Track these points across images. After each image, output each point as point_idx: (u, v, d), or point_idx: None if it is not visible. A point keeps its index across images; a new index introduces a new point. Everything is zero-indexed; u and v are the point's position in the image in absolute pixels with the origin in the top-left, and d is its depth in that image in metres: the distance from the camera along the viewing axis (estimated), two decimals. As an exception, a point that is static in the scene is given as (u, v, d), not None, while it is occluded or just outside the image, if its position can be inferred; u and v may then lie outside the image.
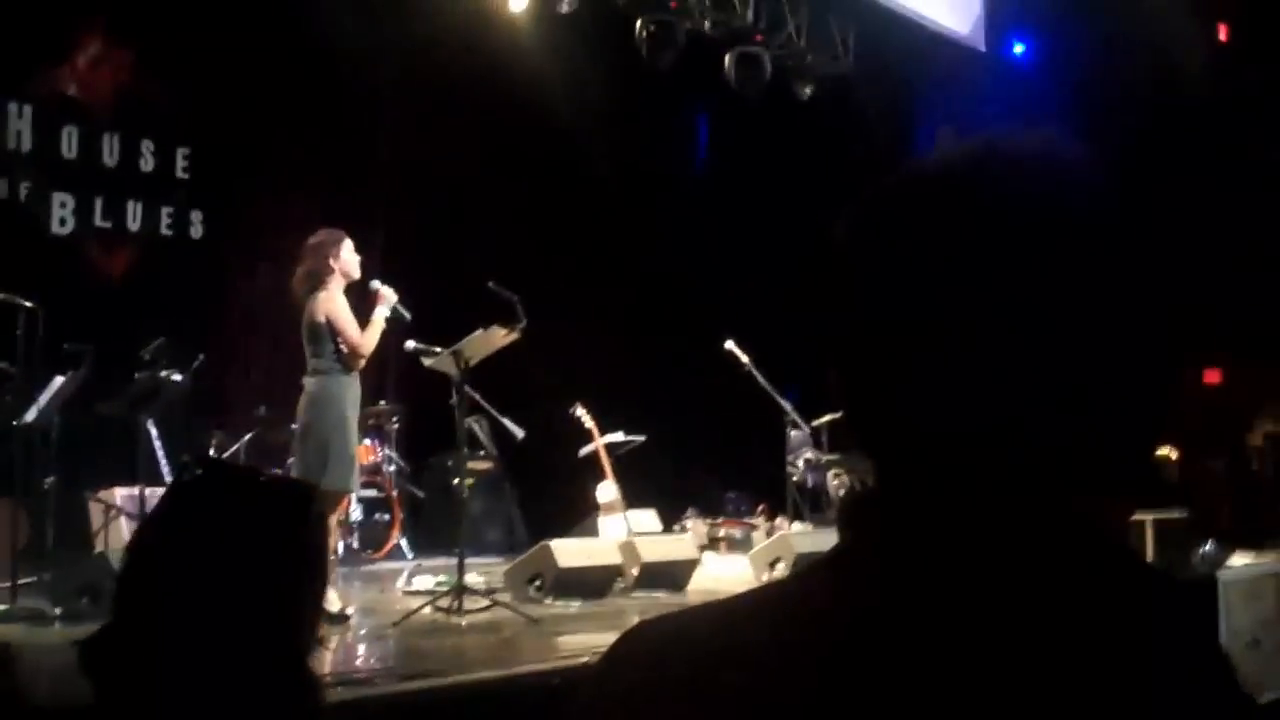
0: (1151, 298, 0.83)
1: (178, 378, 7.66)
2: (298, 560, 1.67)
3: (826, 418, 10.79)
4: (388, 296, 7.12)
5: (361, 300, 7.18)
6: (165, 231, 11.17)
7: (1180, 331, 0.84)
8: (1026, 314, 0.80)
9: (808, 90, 11.94)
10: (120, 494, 8.72)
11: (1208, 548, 8.07)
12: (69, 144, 10.69)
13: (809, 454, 10.95)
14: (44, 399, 7.30)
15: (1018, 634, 0.78)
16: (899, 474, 0.86)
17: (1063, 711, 0.76)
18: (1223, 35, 12.76)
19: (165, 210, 11.20)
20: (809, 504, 11.09)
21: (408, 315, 7.28)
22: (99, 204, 10.82)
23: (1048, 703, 0.76)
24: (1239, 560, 8.04)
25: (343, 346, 6.87)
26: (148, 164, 11.14)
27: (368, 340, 6.95)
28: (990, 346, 0.80)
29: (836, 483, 11.20)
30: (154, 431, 7.93)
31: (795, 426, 10.71)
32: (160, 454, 8.22)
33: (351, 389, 6.97)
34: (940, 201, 0.84)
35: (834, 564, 0.88)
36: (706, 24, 11.03)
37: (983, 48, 12.53)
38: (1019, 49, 13.47)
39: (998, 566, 0.80)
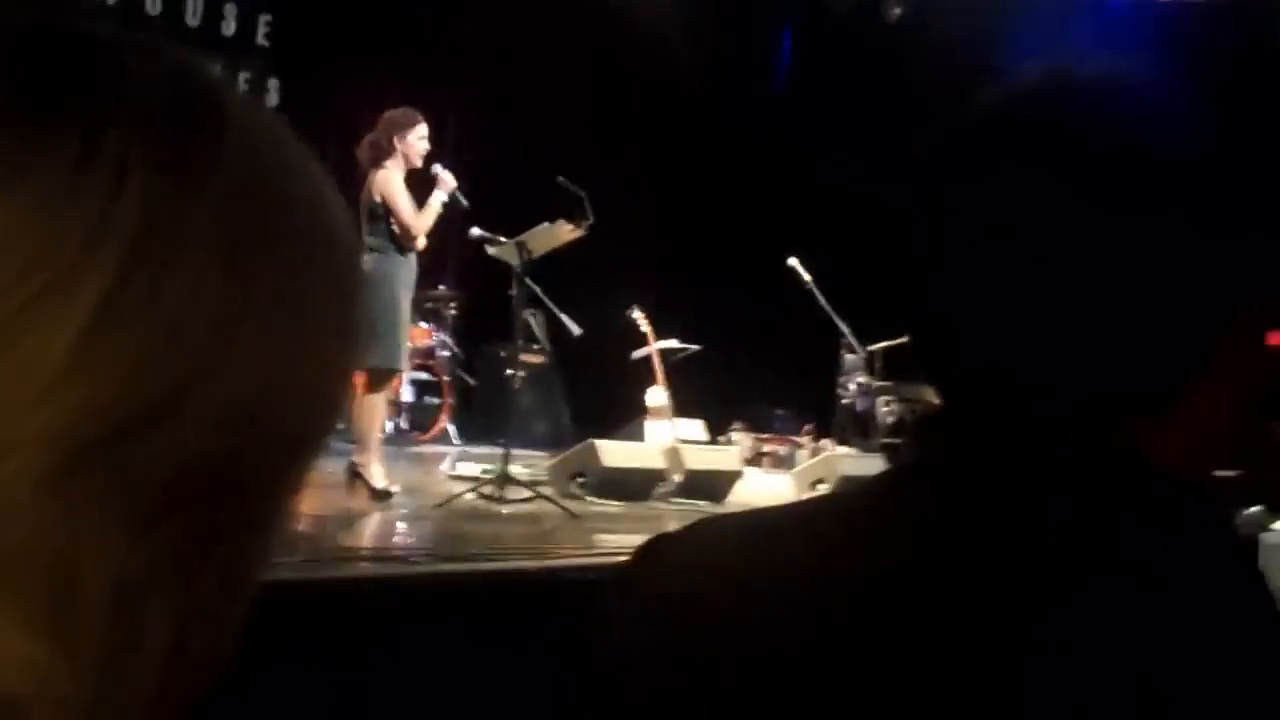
0: (1217, 244, 0.83)
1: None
2: None
3: (883, 343, 10.73)
4: (446, 181, 7.11)
5: (425, 185, 7.18)
6: (242, 96, 11.20)
7: (1240, 281, 0.84)
8: (1089, 251, 0.81)
9: (896, 11, 11.74)
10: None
11: (1254, 510, 8.00)
12: (154, 1, 10.71)
13: (861, 378, 10.90)
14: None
15: (1053, 554, 0.79)
16: (960, 401, 0.88)
17: (1097, 633, 0.77)
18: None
19: (243, 75, 11.21)
20: (857, 428, 11.06)
21: (465, 203, 7.28)
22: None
23: (1079, 618, 0.78)
24: (1285, 525, 7.96)
25: (395, 227, 6.88)
26: (229, 27, 11.15)
27: (422, 222, 6.94)
28: (1052, 282, 0.81)
29: (886, 409, 11.17)
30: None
31: (850, 350, 10.66)
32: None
33: (405, 269, 6.97)
34: (1009, 135, 0.85)
35: (891, 484, 0.89)
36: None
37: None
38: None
39: (1043, 491, 0.81)
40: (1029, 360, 0.83)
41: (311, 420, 0.58)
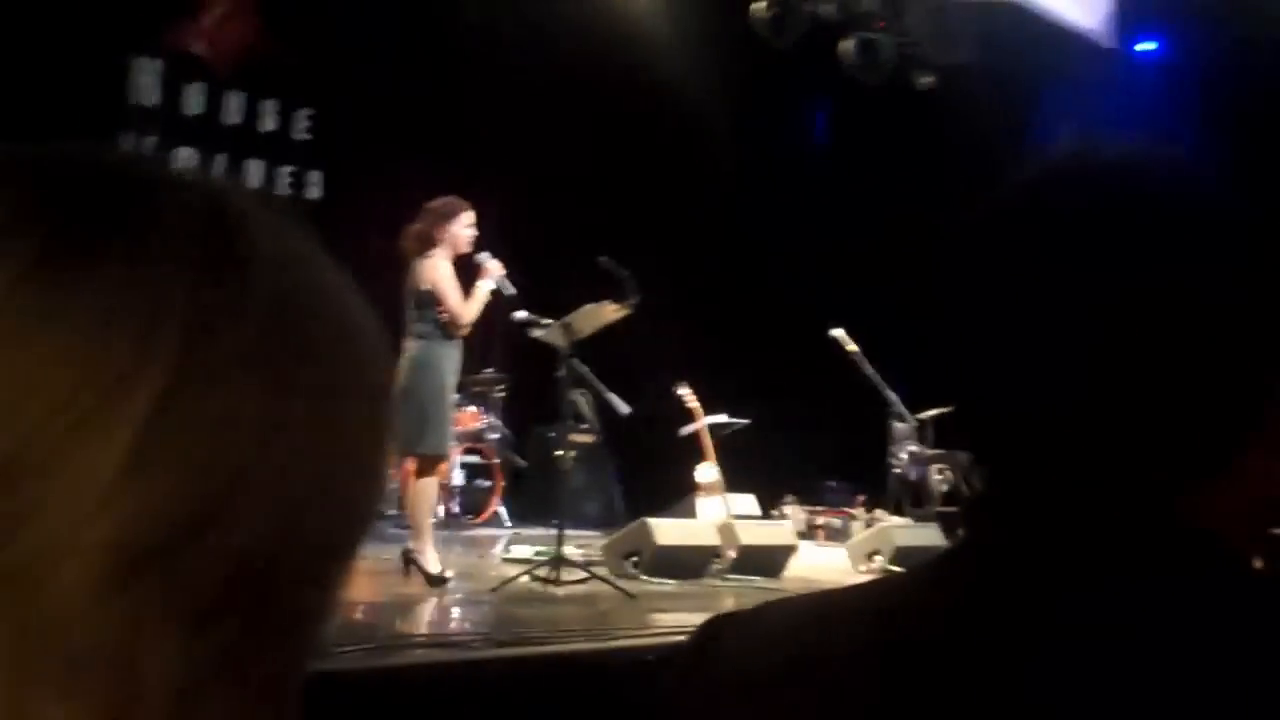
0: (1250, 309, 0.84)
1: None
2: None
3: (932, 412, 10.67)
4: (493, 270, 7.16)
5: (470, 271, 7.22)
6: (284, 191, 11.32)
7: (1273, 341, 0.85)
8: (1127, 323, 0.82)
9: (928, 80, 11.77)
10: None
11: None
12: (194, 101, 10.88)
13: (913, 447, 10.84)
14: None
15: (1111, 639, 0.79)
16: (1008, 477, 0.88)
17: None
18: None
19: (285, 170, 11.36)
20: (910, 498, 10.98)
21: (512, 290, 7.31)
22: (221, 161, 10.99)
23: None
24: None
25: (444, 315, 6.92)
26: (269, 124, 11.31)
27: (469, 311, 6.98)
28: (1090, 354, 0.82)
29: (939, 478, 11.09)
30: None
31: (900, 419, 10.61)
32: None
33: (451, 356, 7.02)
34: (1041, 217, 0.87)
35: (945, 564, 0.90)
36: (829, 8, 10.89)
37: (1110, 44, 12.27)
38: (1148, 47, 13.18)
39: (1099, 571, 0.82)
40: (1074, 432, 0.83)
41: (349, 521, 0.60)
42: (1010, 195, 0.89)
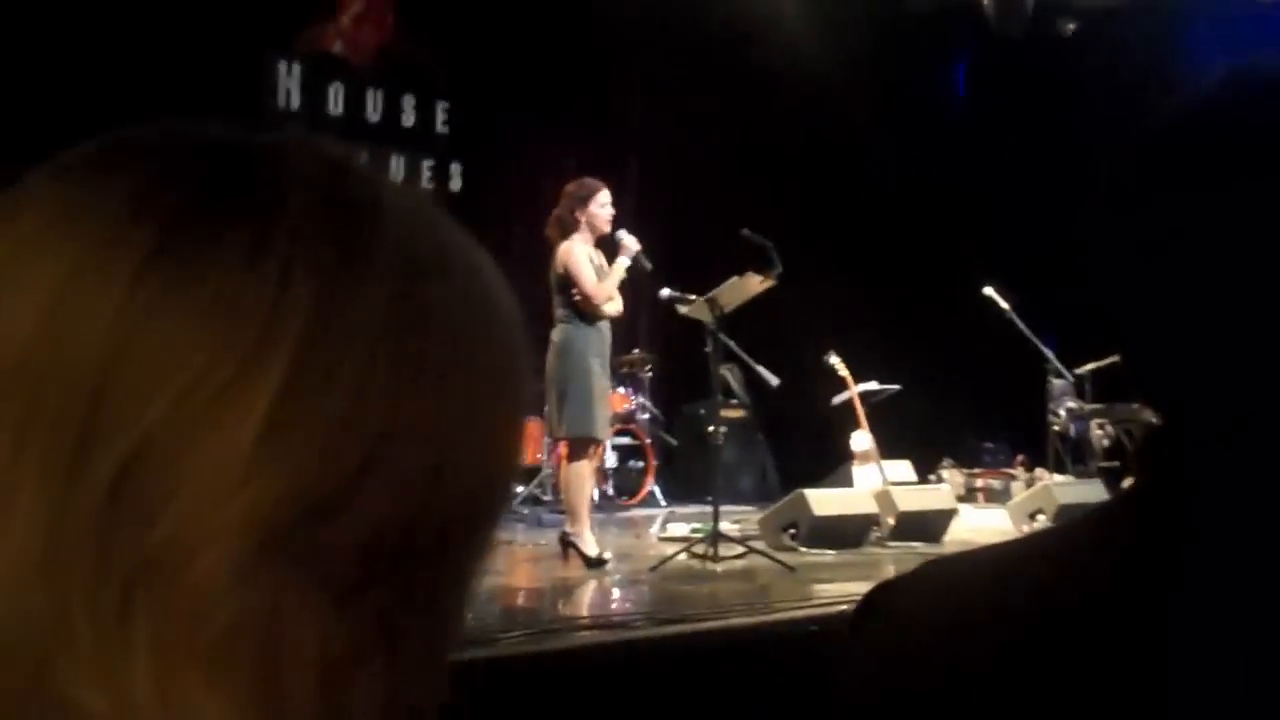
0: None
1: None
2: None
3: (1090, 366, 10.43)
4: (629, 246, 7.15)
5: (612, 250, 7.23)
6: (426, 184, 11.47)
7: None
8: None
9: (1071, 26, 11.50)
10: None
11: None
12: (335, 100, 11.06)
13: (1071, 403, 10.62)
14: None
15: None
16: (1183, 421, 0.83)
17: None
18: None
19: (426, 164, 11.50)
20: (1070, 455, 10.76)
21: (649, 266, 7.29)
22: (363, 158, 11.14)
23: None
24: None
25: (576, 296, 6.93)
26: (409, 119, 11.46)
27: (604, 289, 6.97)
28: (1268, 290, 0.76)
29: (1100, 433, 10.85)
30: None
31: (1057, 375, 10.41)
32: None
33: (593, 338, 7.01)
34: (1206, 142, 0.80)
35: (1118, 509, 0.86)
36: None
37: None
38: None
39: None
40: (1248, 371, 0.78)
41: (488, 482, 0.59)
42: (1175, 122, 0.83)
